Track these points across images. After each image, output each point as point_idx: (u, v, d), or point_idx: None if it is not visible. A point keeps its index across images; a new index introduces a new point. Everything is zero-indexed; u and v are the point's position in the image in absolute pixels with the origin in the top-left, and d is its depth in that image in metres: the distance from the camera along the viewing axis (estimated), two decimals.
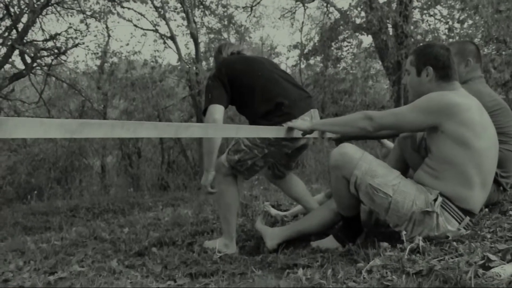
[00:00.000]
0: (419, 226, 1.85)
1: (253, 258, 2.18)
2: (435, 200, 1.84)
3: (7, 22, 9.34)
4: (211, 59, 9.93)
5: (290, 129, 2.27)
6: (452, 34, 8.21)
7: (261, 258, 2.14)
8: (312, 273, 1.75)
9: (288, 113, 2.34)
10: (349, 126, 2.06)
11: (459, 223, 1.86)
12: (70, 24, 12.68)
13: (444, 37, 8.30)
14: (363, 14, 9.05)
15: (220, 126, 2.21)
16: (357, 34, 9.90)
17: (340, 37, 10.54)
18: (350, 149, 1.99)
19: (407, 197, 1.85)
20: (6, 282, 2.08)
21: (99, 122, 1.40)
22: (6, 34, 9.15)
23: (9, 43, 8.70)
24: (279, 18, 13.22)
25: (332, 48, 10.51)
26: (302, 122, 2.25)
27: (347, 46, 11.10)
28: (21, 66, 9.61)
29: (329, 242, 2.22)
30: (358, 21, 9.39)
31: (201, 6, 9.92)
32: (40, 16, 9.54)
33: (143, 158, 12.23)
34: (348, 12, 9.42)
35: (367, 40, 12.78)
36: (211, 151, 2.37)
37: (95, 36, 12.85)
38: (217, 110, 2.33)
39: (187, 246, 2.57)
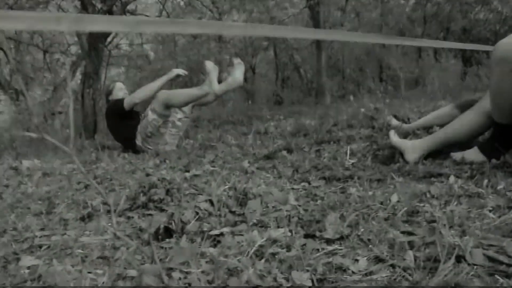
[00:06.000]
0: None
1: (388, 167, 2.03)
2: None
3: None
4: None
5: None
6: None
7: (398, 167, 1.98)
8: (464, 183, 1.57)
9: None
10: None
11: None
12: None
13: None
14: None
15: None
16: None
17: None
18: None
19: None
20: (148, 176, 2.22)
21: (153, 20, 1.32)
22: None
23: None
24: None
25: None
26: None
27: None
28: None
29: (474, 154, 1.98)
30: None
31: None
32: None
33: (257, 74, 12.33)
34: None
35: None
36: None
37: None
38: None
39: (315, 153, 2.50)
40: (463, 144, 2.11)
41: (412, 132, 2.86)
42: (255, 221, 1.34)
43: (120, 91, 3.99)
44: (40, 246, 1.33)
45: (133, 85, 13.58)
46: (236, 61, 3.84)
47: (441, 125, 2.77)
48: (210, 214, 1.43)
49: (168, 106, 3.44)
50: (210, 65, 3.63)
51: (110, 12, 8.22)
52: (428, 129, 2.91)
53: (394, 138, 2.25)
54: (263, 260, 1.03)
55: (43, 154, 3.79)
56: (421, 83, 10.55)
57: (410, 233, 1.13)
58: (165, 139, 3.55)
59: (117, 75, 14.64)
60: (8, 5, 8.77)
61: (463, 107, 2.61)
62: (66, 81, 11.02)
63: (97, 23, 1.03)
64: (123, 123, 3.66)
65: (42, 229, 1.53)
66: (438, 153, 2.19)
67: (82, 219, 1.63)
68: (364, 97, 5.18)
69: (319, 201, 1.51)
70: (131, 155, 3.37)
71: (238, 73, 3.76)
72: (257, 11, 8.52)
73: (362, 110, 3.49)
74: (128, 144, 3.65)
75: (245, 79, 11.72)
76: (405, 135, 2.77)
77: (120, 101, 3.69)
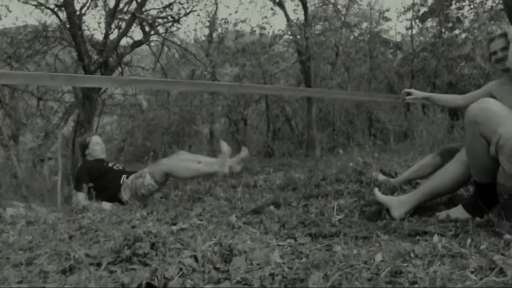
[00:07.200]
0: None
1: (374, 223, 2.05)
2: None
3: None
4: (320, 23, 9.64)
5: None
6: None
7: (384, 224, 2.00)
8: (448, 242, 1.58)
9: None
10: None
11: None
12: None
13: None
14: None
15: None
16: None
17: None
18: (493, 104, 1.74)
19: None
20: (134, 228, 2.19)
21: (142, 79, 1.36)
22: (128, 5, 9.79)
23: (130, 13, 9.27)
24: None
25: (452, 7, 9.57)
26: None
27: (470, 4, 10.02)
28: (138, 36, 10.25)
29: (458, 212, 2.00)
30: None
31: None
32: None
33: (249, 126, 12.50)
34: None
35: None
36: None
37: (205, 5, 13.18)
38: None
39: (303, 208, 2.51)
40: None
41: (399, 186, 2.89)
42: (239, 278, 1.33)
43: (96, 145, 3.92)
44: None
45: (125, 133, 13.68)
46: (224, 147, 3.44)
47: (425, 176, 2.82)
48: (194, 270, 1.41)
49: (169, 176, 3.41)
50: (225, 147, 3.39)
51: (106, 63, 8.42)
52: (413, 184, 2.96)
53: (379, 195, 2.27)
54: None
55: (29, 201, 3.75)
56: (409, 136, 10.74)
57: None
58: (154, 196, 3.54)
59: (109, 123, 14.73)
60: (7, 54, 8.95)
61: (444, 155, 2.68)
62: (58, 128, 11.07)
63: (86, 82, 1.07)
64: (103, 182, 3.61)
65: (20, 282, 1.49)
66: (424, 208, 2.22)
67: (63, 271, 1.60)
68: (354, 150, 5.25)
69: (303, 259, 1.50)
70: (118, 206, 3.34)
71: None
72: (250, 64, 8.78)
73: (351, 164, 3.53)
74: (112, 199, 3.55)
75: (237, 130, 11.87)
76: (392, 190, 2.81)
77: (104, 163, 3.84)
